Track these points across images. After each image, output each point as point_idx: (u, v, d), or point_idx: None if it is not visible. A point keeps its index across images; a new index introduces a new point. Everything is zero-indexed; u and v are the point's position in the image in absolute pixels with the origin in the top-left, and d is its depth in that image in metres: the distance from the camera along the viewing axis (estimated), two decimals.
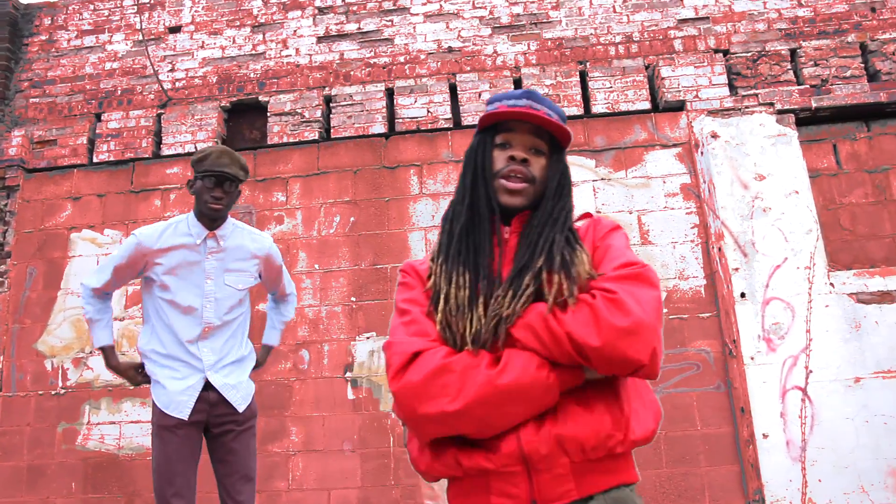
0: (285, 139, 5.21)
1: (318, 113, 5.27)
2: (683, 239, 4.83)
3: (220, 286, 2.87)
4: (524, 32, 5.43)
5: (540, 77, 5.26)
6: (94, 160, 5.33)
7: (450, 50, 5.41)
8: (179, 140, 5.26)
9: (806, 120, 5.09)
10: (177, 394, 2.77)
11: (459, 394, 1.26)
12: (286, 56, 5.46)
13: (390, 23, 5.49)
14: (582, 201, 4.95)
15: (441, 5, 5.51)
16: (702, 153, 4.94)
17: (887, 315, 4.56)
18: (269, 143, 5.21)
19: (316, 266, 4.93)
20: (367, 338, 4.79)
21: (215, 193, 2.78)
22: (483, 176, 1.47)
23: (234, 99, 5.38)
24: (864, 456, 4.34)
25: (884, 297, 4.61)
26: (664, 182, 4.94)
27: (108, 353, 2.95)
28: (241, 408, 2.86)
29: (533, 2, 5.48)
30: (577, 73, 5.27)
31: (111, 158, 5.29)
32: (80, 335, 4.92)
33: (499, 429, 1.27)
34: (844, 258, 4.89)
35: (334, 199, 5.07)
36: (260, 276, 3.08)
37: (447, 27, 5.46)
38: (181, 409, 2.76)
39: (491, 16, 5.47)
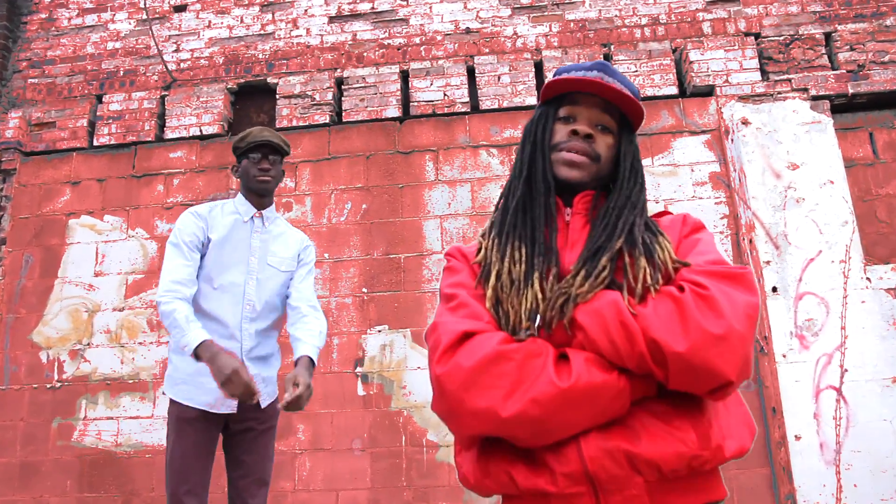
0: (295, 123, 5.09)
1: (330, 96, 5.15)
2: (712, 230, 4.69)
3: (262, 266, 2.81)
4: (545, 13, 5.30)
5: (562, 60, 5.13)
6: (95, 143, 5.21)
7: (467, 31, 5.29)
8: (184, 123, 5.15)
9: (841, 107, 4.95)
10: (215, 389, 2.60)
11: (516, 389, 1.10)
12: (296, 36, 5.35)
13: (405, 3, 5.38)
14: None
15: None
16: (732, 140, 4.81)
17: None
18: (277, 126, 5.10)
19: (326, 255, 4.81)
20: (379, 331, 4.67)
21: (262, 165, 2.81)
22: (542, 149, 1.38)
23: (242, 81, 5.27)
24: None
25: None
26: (692, 170, 4.81)
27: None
28: (265, 403, 2.76)
29: None
30: (602, 57, 5.15)
31: (112, 142, 5.18)
32: (77, 326, 4.80)
33: (555, 437, 1.11)
34: (881, 252, 4.76)
35: (346, 185, 4.96)
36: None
37: (465, 7, 5.34)
38: (210, 396, 2.64)
39: None
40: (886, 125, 5.03)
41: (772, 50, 5.06)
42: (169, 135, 5.14)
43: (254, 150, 2.80)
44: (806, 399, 4.34)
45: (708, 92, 4.97)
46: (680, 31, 5.16)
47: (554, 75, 1.42)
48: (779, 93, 4.90)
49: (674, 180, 4.81)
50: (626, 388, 1.10)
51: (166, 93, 5.28)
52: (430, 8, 5.36)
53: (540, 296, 1.22)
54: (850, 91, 4.88)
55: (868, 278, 4.49)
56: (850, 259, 4.53)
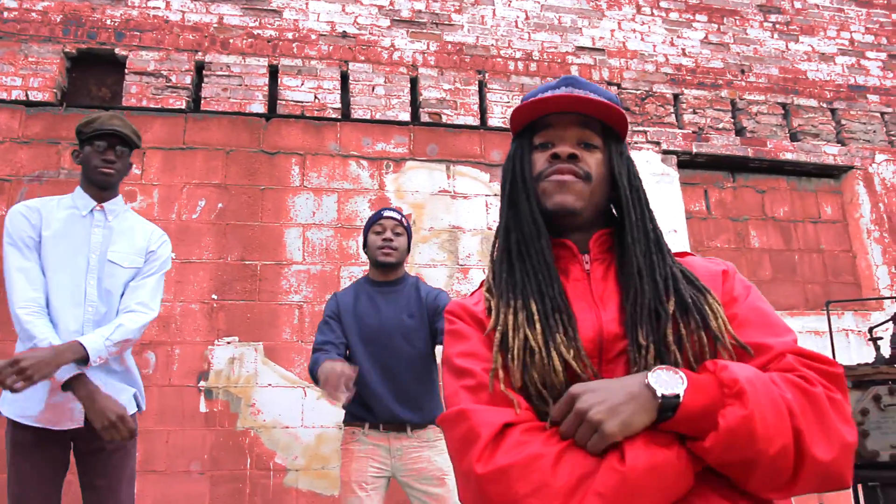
0: (145, 103, 4.79)
1: (188, 79, 4.92)
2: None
3: (103, 263, 2.62)
4: (424, 31, 5.52)
5: (438, 80, 5.37)
6: None
7: (344, 35, 5.34)
8: (5, 83, 4.62)
9: (685, 163, 5.71)
10: (41, 397, 2.42)
11: (577, 486, 0.99)
12: (153, 8, 5.04)
13: None
14: (474, 216, 5.10)
15: None
16: None
17: None
18: (125, 104, 4.76)
19: (172, 255, 4.55)
20: (228, 342, 4.50)
21: (107, 156, 2.65)
22: (523, 184, 1.28)
23: (83, 46, 4.84)
24: None
25: None
26: None
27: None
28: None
29: (436, 1, 5.61)
30: (477, 83, 5.47)
31: None
32: None
33: None
34: None
35: (200, 180, 4.74)
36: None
37: (343, 10, 5.40)
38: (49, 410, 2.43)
39: (391, 7, 5.50)
40: (718, 185, 5.88)
41: (630, 102, 5.70)
42: None
43: (100, 138, 2.63)
44: None
45: None
46: (550, 70, 5.64)
47: (522, 100, 1.34)
48: (636, 143, 5.53)
49: None
50: (689, 464, 1.02)
51: None
52: (307, 4, 5.34)
53: (574, 364, 1.13)
54: (694, 150, 5.64)
55: None
56: None
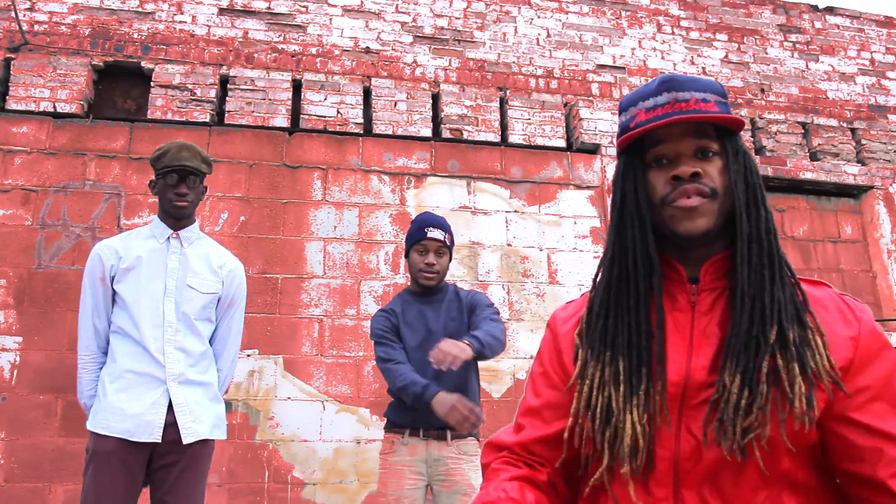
0: (170, 116, 4.84)
1: (213, 93, 4.97)
2: (589, 285, 5.15)
3: (181, 288, 2.75)
4: (446, 47, 5.56)
5: (460, 96, 5.40)
6: None
7: (367, 51, 5.39)
8: (34, 95, 4.68)
9: None
10: (137, 415, 2.56)
11: None
12: (180, 22, 5.11)
13: (304, 9, 5.37)
14: (494, 232, 5.11)
15: (362, 1, 5.49)
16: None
17: None
18: (150, 116, 4.81)
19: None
20: (248, 355, 4.52)
21: (179, 190, 2.76)
22: (637, 210, 1.18)
23: (111, 59, 4.91)
24: None
25: None
26: (575, 223, 5.26)
27: None
28: (190, 439, 2.62)
29: (458, 17, 5.65)
30: (498, 99, 5.50)
31: None
32: None
33: None
34: None
35: (223, 192, 4.78)
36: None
37: (366, 26, 5.45)
38: (129, 422, 2.55)
39: (414, 24, 5.55)
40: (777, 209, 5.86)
41: None
42: (13, 105, 4.63)
43: (171, 172, 2.74)
44: None
45: (593, 150, 5.49)
46: (571, 87, 5.66)
47: (620, 109, 1.26)
48: None
49: (557, 230, 5.22)
50: None
51: (13, 56, 4.77)
52: (331, 20, 5.40)
53: (639, 429, 1.09)
54: None
55: None
56: None
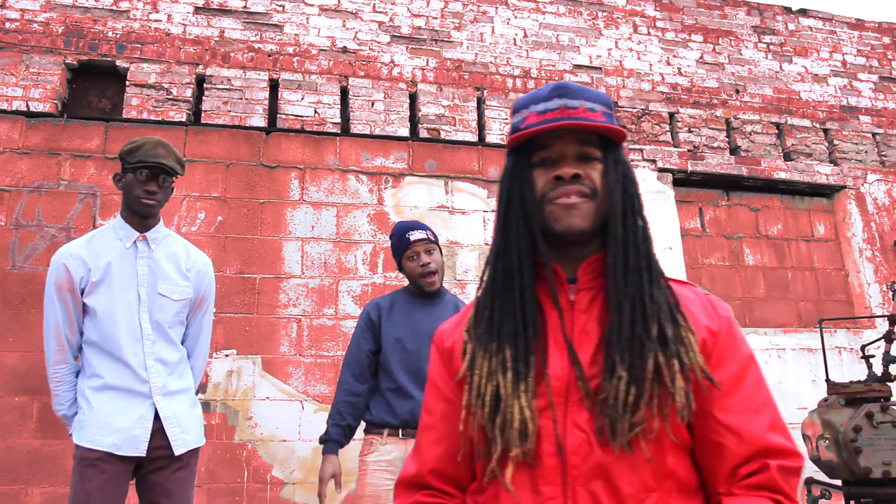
0: (146, 115, 4.81)
1: (189, 92, 4.95)
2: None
3: (153, 296, 2.67)
4: (423, 47, 5.58)
5: (437, 96, 5.42)
6: None
7: (344, 50, 5.39)
8: (6, 93, 4.63)
9: (680, 181, 5.78)
10: (124, 429, 2.53)
11: None
12: (155, 21, 5.08)
13: (281, 8, 5.36)
14: (471, 232, 5.14)
15: (339, 1, 5.50)
16: None
17: None
18: (125, 115, 4.78)
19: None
20: (227, 356, 4.51)
21: (149, 187, 2.63)
22: (522, 208, 1.22)
23: (85, 58, 4.87)
24: None
25: None
26: None
27: None
28: (180, 450, 2.61)
29: (436, 17, 5.67)
30: (475, 99, 5.52)
31: None
32: None
33: None
34: None
35: (200, 192, 4.76)
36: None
37: (343, 26, 5.45)
38: (116, 436, 2.52)
39: (391, 23, 5.56)
40: (713, 203, 5.95)
41: (626, 120, 5.77)
42: None
43: (143, 168, 2.62)
44: None
45: None
46: None
47: (514, 110, 1.29)
48: (632, 160, 5.59)
49: None
50: None
51: None
52: (307, 19, 5.40)
53: (528, 413, 1.12)
54: (689, 168, 5.71)
55: None
56: None
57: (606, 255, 1.19)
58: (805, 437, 4.12)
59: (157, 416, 2.58)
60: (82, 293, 2.61)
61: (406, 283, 3.20)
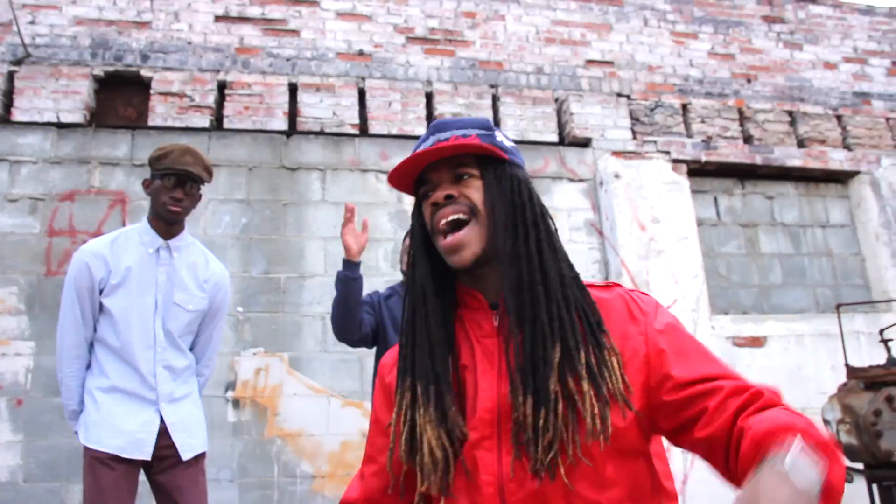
0: (170, 122, 4.94)
1: (211, 99, 5.07)
2: (585, 274, 5.27)
3: (168, 305, 2.73)
4: (438, 47, 5.67)
5: (452, 95, 5.51)
6: None
7: (360, 53, 5.50)
8: (38, 105, 4.78)
9: (694, 171, 5.83)
10: (130, 432, 2.61)
11: None
12: (177, 31, 5.21)
13: (298, 14, 5.47)
14: None
15: (354, 5, 5.60)
16: (605, 191, 5.47)
17: (758, 359, 5.32)
18: (150, 124, 4.91)
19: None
20: (254, 354, 4.64)
21: (175, 194, 2.68)
22: (423, 245, 1.26)
23: (111, 68, 5.01)
24: None
25: (754, 342, 5.38)
26: (569, 216, 5.38)
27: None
28: (188, 455, 2.70)
29: (449, 18, 5.76)
30: (490, 97, 5.61)
31: None
32: None
33: None
34: (721, 303, 5.63)
35: (224, 196, 4.89)
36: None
37: (359, 29, 5.55)
38: (122, 439, 2.60)
39: (406, 25, 5.66)
40: (728, 192, 6.00)
41: (639, 112, 5.83)
42: (18, 117, 4.74)
43: (169, 175, 2.67)
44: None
45: (585, 143, 5.60)
46: (561, 83, 5.78)
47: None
48: (646, 152, 5.66)
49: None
50: None
51: (16, 69, 4.87)
52: (324, 23, 5.50)
53: (434, 443, 1.14)
54: (703, 158, 5.76)
55: (713, 326, 5.30)
56: (700, 308, 5.31)
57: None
58: (825, 421, 4.17)
59: (162, 420, 2.66)
60: (101, 293, 2.65)
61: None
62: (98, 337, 2.68)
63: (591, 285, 1.24)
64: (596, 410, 1.06)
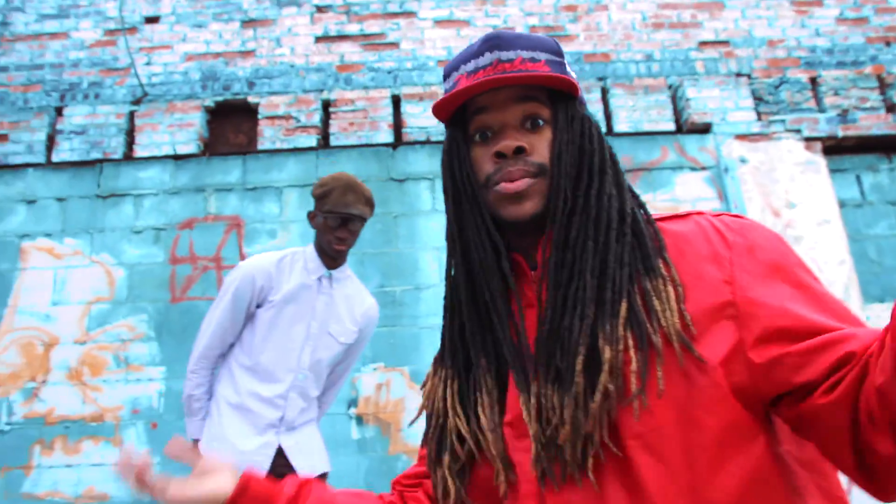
0: (278, 145, 5.03)
1: (317, 118, 5.12)
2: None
3: (322, 333, 2.73)
4: None
5: None
6: (54, 159, 4.96)
7: None
8: (156, 140, 4.99)
9: (831, 149, 5.33)
10: (248, 452, 2.58)
11: None
12: (280, 55, 5.32)
13: (396, 26, 5.46)
14: None
15: (451, 11, 5.53)
16: (731, 178, 5.08)
17: None
18: (259, 148, 5.01)
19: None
20: (375, 369, 4.58)
21: (339, 234, 2.69)
22: (468, 194, 1.03)
23: (220, 98, 5.17)
24: None
25: None
26: (694, 207, 5.03)
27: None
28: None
29: (549, 13, 5.59)
30: (599, 89, 5.37)
31: (74, 158, 4.95)
32: (30, 361, 4.47)
33: None
34: (874, 291, 5.08)
35: None
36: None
37: (458, 34, 5.48)
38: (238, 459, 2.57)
39: (505, 25, 5.53)
40: (872, 168, 5.44)
41: (762, 91, 5.41)
42: (139, 153, 4.96)
43: (333, 217, 2.66)
44: None
45: (705, 129, 5.25)
46: (674, 68, 5.45)
47: (444, 75, 1.10)
48: (773, 133, 5.23)
49: None
50: None
51: (136, 108, 5.11)
52: (422, 33, 5.46)
53: (489, 437, 0.99)
54: (840, 134, 5.26)
55: (868, 317, 4.78)
56: (850, 297, 4.81)
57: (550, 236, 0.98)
58: None
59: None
60: (259, 306, 2.68)
61: None
62: (238, 351, 2.71)
63: (662, 218, 1.01)
64: (634, 366, 0.86)
